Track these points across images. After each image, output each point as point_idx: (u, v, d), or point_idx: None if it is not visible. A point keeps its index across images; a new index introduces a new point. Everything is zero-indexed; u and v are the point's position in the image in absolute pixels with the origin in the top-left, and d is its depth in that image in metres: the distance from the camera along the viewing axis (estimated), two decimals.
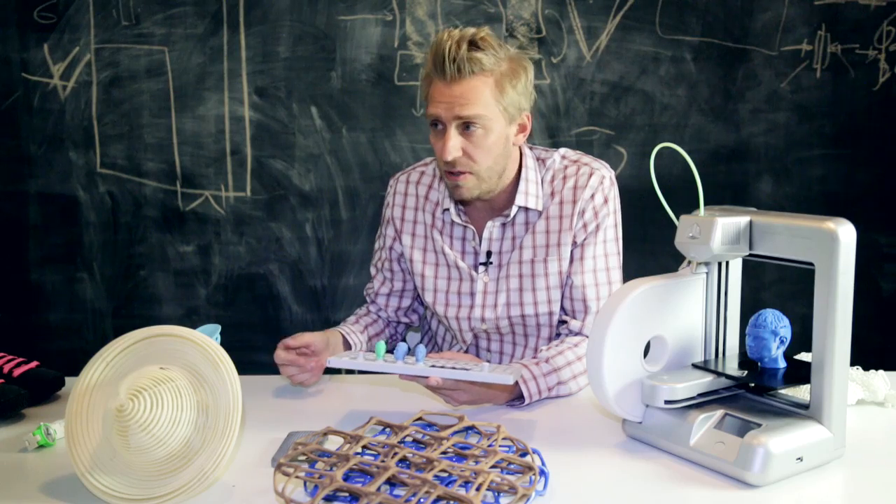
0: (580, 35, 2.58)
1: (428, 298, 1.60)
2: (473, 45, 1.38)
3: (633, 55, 2.59)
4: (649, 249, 2.39)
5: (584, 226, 1.51)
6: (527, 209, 1.53)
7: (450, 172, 1.45)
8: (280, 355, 1.44)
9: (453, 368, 1.25)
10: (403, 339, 1.79)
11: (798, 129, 2.63)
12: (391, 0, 2.56)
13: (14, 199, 2.60)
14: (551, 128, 2.61)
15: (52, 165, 2.59)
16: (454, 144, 1.40)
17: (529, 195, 1.51)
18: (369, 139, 2.61)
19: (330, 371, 1.95)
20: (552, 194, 1.52)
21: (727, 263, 1.23)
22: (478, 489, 0.93)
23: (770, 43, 2.60)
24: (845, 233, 1.04)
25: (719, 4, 2.58)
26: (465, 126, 1.40)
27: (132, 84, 2.57)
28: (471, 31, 1.40)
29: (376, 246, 1.70)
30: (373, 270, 1.70)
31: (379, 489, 0.92)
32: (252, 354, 2.68)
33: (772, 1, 2.58)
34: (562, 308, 1.54)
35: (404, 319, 1.71)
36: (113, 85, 2.57)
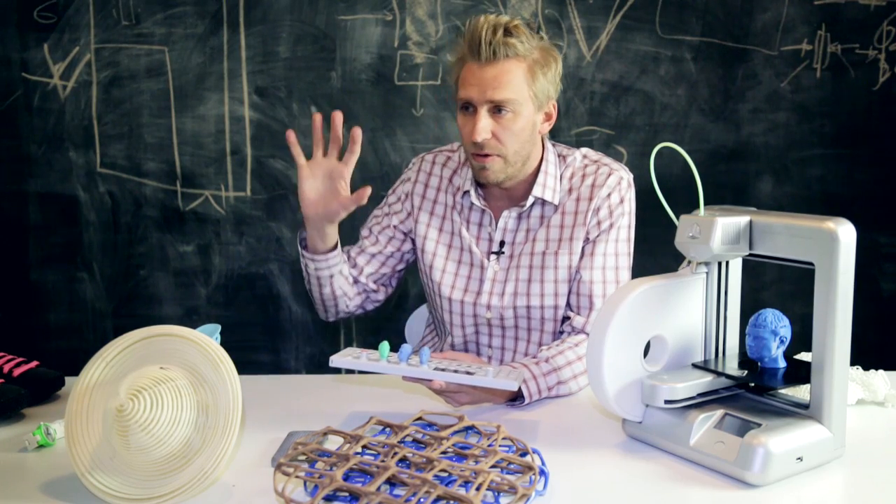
0: (580, 35, 2.59)
1: (436, 278, 1.60)
2: (507, 31, 1.42)
3: (633, 55, 2.59)
4: (649, 249, 2.39)
5: (598, 223, 1.52)
6: (543, 202, 1.54)
7: (477, 154, 1.47)
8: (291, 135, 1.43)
9: (456, 371, 1.24)
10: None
11: (798, 129, 2.63)
12: (391, 0, 2.56)
13: (14, 199, 2.60)
14: (551, 127, 2.61)
15: (52, 165, 2.59)
16: (484, 125, 1.43)
17: (547, 188, 1.53)
18: (369, 139, 2.61)
19: (330, 371, 1.95)
20: (570, 191, 1.54)
21: (727, 263, 1.23)
22: (478, 489, 0.93)
23: (770, 43, 2.60)
24: (845, 233, 1.04)
25: (719, 4, 2.58)
26: (496, 109, 1.43)
27: (132, 84, 2.57)
28: (504, 18, 1.44)
29: (376, 212, 1.67)
30: (364, 232, 1.66)
31: (379, 489, 0.92)
32: (252, 354, 2.68)
33: (772, 1, 2.58)
34: (567, 304, 1.55)
35: (372, 287, 1.64)
36: (113, 85, 2.57)
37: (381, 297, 1.69)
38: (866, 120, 2.63)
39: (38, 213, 2.61)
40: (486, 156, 1.46)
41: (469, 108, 1.45)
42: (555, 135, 2.60)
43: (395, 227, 1.65)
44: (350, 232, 1.73)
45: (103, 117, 2.58)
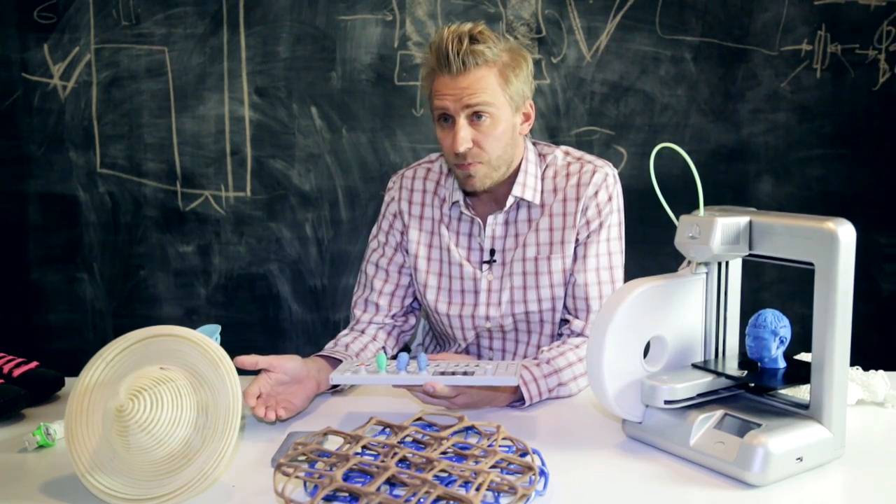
0: (580, 35, 2.59)
1: (431, 297, 1.59)
2: (473, 39, 1.40)
3: (633, 55, 2.59)
4: (649, 249, 2.39)
5: (587, 223, 1.51)
6: (529, 205, 1.53)
7: (460, 164, 1.45)
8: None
9: (463, 374, 1.24)
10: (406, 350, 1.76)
11: (798, 129, 2.63)
12: (391, 0, 2.56)
13: (14, 199, 2.60)
14: (551, 128, 2.61)
15: (52, 165, 2.59)
16: (465, 135, 1.41)
17: (527, 187, 1.52)
18: (369, 139, 2.61)
19: None
20: (554, 191, 1.53)
21: (727, 263, 1.23)
22: (478, 489, 0.93)
23: (770, 43, 2.60)
24: (845, 233, 1.04)
25: (719, 4, 2.58)
26: (474, 116, 1.42)
27: (132, 84, 2.57)
28: (468, 25, 1.42)
29: (374, 245, 1.64)
30: (371, 269, 1.63)
31: (379, 489, 0.92)
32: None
33: (772, 1, 2.58)
34: (564, 307, 1.54)
35: (401, 321, 1.64)
36: (113, 85, 2.57)
37: (412, 323, 1.67)
38: (866, 120, 2.63)
39: (38, 213, 2.61)
40: (470, 164, 1.44)
41: (447, 119, 1.43)
42: (555, 135, 2.60)
43: (396, 251, 1.62)
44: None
45: (103, 117, 2.58)
